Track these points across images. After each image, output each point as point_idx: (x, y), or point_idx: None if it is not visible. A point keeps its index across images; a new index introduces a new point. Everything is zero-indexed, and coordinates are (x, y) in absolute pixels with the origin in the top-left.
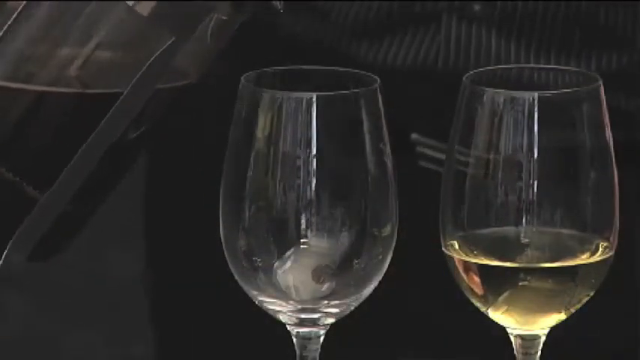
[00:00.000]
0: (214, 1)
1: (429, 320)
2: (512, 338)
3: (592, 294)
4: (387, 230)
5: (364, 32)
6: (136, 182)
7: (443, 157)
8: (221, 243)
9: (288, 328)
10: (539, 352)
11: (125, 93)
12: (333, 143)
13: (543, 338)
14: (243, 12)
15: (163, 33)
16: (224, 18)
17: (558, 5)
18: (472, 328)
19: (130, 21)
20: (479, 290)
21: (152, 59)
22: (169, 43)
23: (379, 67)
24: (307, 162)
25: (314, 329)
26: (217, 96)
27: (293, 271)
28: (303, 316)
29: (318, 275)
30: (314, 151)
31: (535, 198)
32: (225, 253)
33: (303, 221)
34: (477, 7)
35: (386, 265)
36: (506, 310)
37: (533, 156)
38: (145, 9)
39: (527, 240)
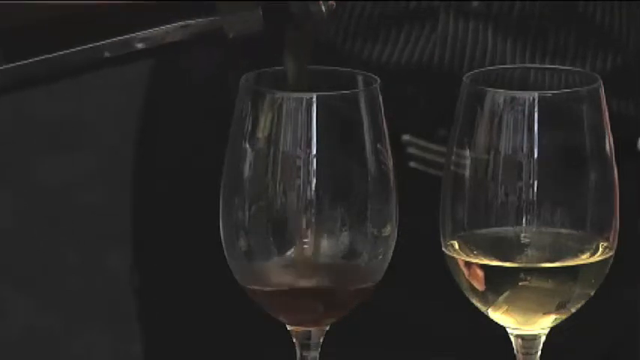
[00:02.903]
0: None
1: (429, 320)
2: (512, 338)
3: (592, 294)
4: (387, 230)
5: (359, 30)
6: (137, 183)
7: (434, 158)
8: (219, 243)
9: (288, 328)
10: (539, 352)
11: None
12: (333, 143)
13: (543, 338)
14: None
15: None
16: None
17: (555, 5)
18: (472, 328)
19: None
20: (479, 290)
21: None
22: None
23: (374, 65)
24: (307, 162)
25: (314, 329)
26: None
27: (293, 271)
28: (303, 316)
29: (318, 275)
30: (314, 151)
31: (535, 198)
32: (225, 253)
33: (303, 221)
34: (474, 4)
35: (386, 265)
36: (506, 310)
37: (533, 156)
38: None
39: (527, 240)
